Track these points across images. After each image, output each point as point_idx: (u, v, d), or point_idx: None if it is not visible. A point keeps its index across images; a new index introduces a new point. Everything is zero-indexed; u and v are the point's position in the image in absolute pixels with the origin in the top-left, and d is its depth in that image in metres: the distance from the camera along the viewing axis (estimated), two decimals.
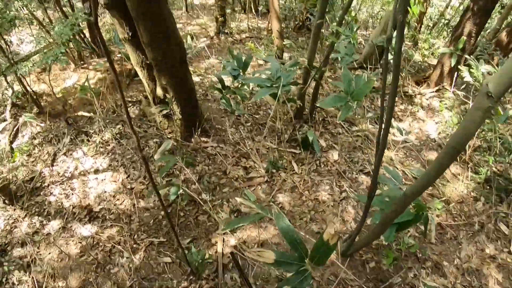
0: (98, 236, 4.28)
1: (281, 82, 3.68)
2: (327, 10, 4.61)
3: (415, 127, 6.28)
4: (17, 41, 9.14)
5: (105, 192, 4.81)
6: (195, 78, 6.99)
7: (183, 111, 4.55)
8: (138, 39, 3.75)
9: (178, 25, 11.44)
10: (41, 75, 7.87)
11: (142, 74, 4.51)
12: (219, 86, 4.45)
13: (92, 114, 6.02)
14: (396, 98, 6.69)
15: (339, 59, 4.92)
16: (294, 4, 10.61)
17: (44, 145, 5.86)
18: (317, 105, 5.16)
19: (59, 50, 4.86)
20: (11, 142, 6.28)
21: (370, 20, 12.57)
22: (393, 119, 6.11)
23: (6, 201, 4.76)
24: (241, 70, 4.23)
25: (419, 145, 5.81)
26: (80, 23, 6.36)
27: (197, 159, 4.94)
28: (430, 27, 11.97)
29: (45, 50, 6.12)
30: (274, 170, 4.78)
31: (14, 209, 4.73)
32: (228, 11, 11.46)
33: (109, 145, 5.49)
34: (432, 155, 5.57)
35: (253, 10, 12.08)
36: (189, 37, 6.75)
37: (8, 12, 5.99)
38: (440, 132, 6.06)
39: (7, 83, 6.87)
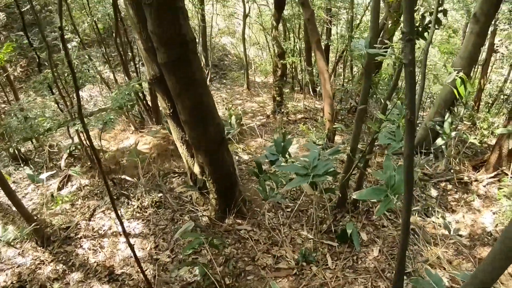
0: None
1: (316, 171, 3.46)
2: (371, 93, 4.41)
3: (470, 219, 5.61)
4: (87, 97, 9.85)
5: (131, 257, 4.65)
6: (244, 156, 6.95)
7: (219, 191, 4.41)
8: (178, 115, 3.76)
9: (238, 101, 11.89)
10: (104, 132, 8.26)
11: (181, 149, 4.50)
12: (255, 169, 4.31)
13: (135, 179, 6.05)
14: (450, 186, 6.16)
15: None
16: (349, 85, 10.55)
17: (87, 198, 5.94)
18: (354, 196, 4.81)
19: (109, 116, 5.04)
20: (59, 189, 6.46)
21: (427, 101, 12.05)
22: (445, 211, 5.60)
23: (39, 243, 4.93)
24: (280, 155, 4.08)
25: (472, 241, 5.14)
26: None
27: (227, 241, 4.69)
28: (489, 105, 10.97)
29: (102, 113, 6.40)
30: (304, 263, 4.41)
31: (44, 252, 4.83)
32: (286, 90, 11.69)
33: (146, 211, 5.43)
34: (487, 252, 4.88)
35: (311, 91, 12.24)
36: (233, 118, 6.76)
37: (86, 70, 6.48)
38: (498, 225, 5.32)
39: (69, 134, 7.22)
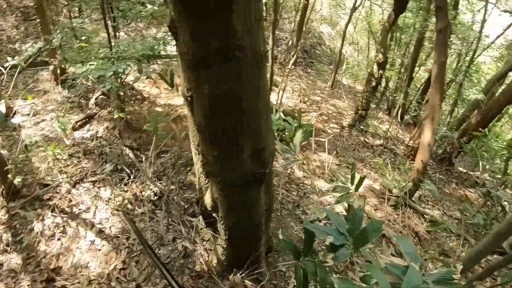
0: None
1: None
2: None
3: None
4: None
5: (88, 266, 3.12)
6: (298, 172, 5.09)
7: (231, 243, 2.63)
8: None
9: (316, 97, 9.91)
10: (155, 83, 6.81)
11: (195, 157, 2.76)
12: (296, 246, 2.19)
13: (146, 156, 4.47)
14: None
15: None
16: (447, 129, 8.27)
17: (88, 154, 4.49)
18: None
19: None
20: (74, 129, 5.11)
21: None
22: None
23: (3, 193, 3.64)
24: (349, 242, 2.10)
25: None
26: None
27: None
28: None
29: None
30: None
31: (2, 207, 3.56)
32: (372, 106, 9.60)
33: (140, 206, 3.85)
34: None
35: (398, 116, 10.03)
36: (298, 134, 4.34)
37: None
38: None
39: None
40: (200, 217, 3.46)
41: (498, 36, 9.92)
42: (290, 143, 2.78)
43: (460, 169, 9.00)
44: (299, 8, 11.24)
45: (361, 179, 3.11)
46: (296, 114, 3.83)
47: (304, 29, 11.18)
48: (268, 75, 7.14)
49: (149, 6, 5.24)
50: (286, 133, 3.69)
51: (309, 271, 2.05)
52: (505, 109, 9.18)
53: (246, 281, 2.98)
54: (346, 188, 3.15)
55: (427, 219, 5.16)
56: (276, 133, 3.74)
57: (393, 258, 2.68)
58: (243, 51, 1.53)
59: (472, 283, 2.71)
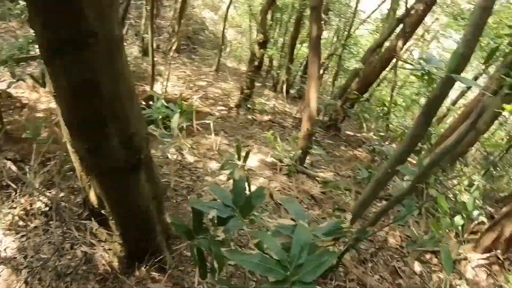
0: None
1: (302, 273, 1.70)
2: None
3: None
4: None
5: None
6: (190, 158, 5.08)
7: (125, 236, 2.56)
8: None
9: (202, 82, 9.88)
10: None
11: (72, 154, 2.61)
12: (187, 226, 2.18)
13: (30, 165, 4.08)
14: (436, 260, 4.61)
15: None
16: (330, 98, 8.96)
17: None
18: None
19: None
20: None
21: None
22: None
23: None
24: (237, 211, 2.01)
25: None
26: None
27: None
28: None
29: None
30: None
31: None
32: (258, 84, 9.93)
33: (31, 221, 3.51)
34: None
35: (284, 91, 10.54)
36: (176, 117, 3.89)
37: None
38: None
39: None
40: (92, 218, 3.30)
41: (373, 11, 11.23)
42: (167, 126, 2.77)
43: (348, 132, 9.83)
44: None
45: (247, 153, 3.25)
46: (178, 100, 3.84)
47: (185, 15, 11.03)
48: (150, 65, 6.96)
49: (21, 3, 4.68)
50: (171, 120, 3.67)
51: (204, 249, 2.11)
52: (384, 75, 10.29)
53: (152, 272, 2.95)
54: (234, 164, 3.26)
55: (320, 181, 5.57)
56: (160, 121, 3.68)
57: (282, 220, 2.88)
58: (95, 37, 1.48)
59: (365, 228, 3.03)
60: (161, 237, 2.92)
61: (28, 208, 3.64)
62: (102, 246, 3.22)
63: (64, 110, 1.70)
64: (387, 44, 8.61)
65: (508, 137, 8.11)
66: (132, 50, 10.13)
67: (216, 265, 2.00)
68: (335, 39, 11.92)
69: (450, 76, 2.25)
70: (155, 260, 2.94)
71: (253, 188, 3.13)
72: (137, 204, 2.17)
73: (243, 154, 3.22)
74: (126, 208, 2.22)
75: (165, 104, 3.86)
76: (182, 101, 4.68)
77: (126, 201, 2.13)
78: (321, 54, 5.47)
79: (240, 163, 3.22)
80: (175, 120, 2.80)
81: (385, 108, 8.55)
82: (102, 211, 2.54)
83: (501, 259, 4.62)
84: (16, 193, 3.76)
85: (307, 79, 5.60)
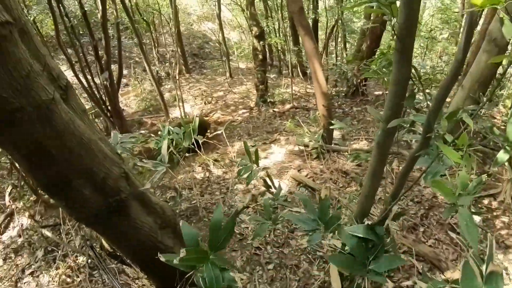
0: None
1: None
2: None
3: None
4: None
5: None
6: (217, 171, 4.98)
7: (147, 271, 2.47)
8: None
9: (219, 93, 9.85)
10: None
11: None
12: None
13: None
14: (496, 204, 4.10)
15: None
16: (345, 65, 8.47)
17: (22, 249, 4.20)
18: None
19: None
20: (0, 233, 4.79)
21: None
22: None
23: None
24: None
25: None
26: None
27: None
28: None
29: None
30: None
31: None
32: (273, 75, 9.73)
33: (78, 275, 3.61)
34: None
35: (300, 74, 10.26)
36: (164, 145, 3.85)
37: None
38: None
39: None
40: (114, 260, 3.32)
41: None
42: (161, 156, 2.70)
43: (376, 92, 9.28)
44: (171, 19, 11.11)
45: (256, 154, 3.11)
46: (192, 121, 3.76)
47: (183, 35, 11.08)
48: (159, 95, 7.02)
49: None
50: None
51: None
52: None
53: None
54: (249, 167, 3.13)
55: (350, 155, 5.23)
56: (172, 147, 3.62)
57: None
58: (22, 110, 1.41)
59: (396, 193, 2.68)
60: None
61: (73, 264, 3.78)
62: (137, 284, 3.23)
63: (27, 174, 1.68)
64: None
65: None
66: (145, 85, 10.31)
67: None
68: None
69: None
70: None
71: (276, 183, 3.00)
72: (138, 239, 2.09)
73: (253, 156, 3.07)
74: (129, 245, 2.15)
75: (172, 129, 3.80)
76: (204, 117, 4.60)
77: (126, 239, 2.07)
78: (309, 26, 5.18)
79: (253, 165, 3.08)
80: (164, 147, 2.73)
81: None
82: (118, 253, 2.52)
83: None
84: (59, 253, 3.93)
85: (307, 57, 5.35)
